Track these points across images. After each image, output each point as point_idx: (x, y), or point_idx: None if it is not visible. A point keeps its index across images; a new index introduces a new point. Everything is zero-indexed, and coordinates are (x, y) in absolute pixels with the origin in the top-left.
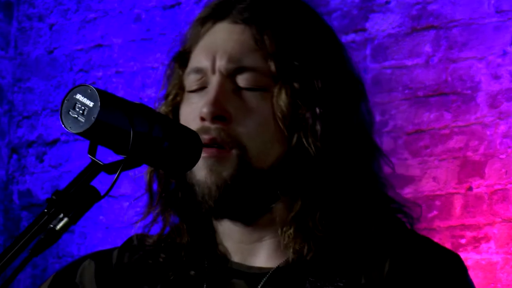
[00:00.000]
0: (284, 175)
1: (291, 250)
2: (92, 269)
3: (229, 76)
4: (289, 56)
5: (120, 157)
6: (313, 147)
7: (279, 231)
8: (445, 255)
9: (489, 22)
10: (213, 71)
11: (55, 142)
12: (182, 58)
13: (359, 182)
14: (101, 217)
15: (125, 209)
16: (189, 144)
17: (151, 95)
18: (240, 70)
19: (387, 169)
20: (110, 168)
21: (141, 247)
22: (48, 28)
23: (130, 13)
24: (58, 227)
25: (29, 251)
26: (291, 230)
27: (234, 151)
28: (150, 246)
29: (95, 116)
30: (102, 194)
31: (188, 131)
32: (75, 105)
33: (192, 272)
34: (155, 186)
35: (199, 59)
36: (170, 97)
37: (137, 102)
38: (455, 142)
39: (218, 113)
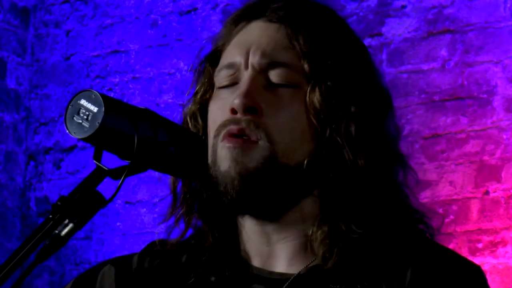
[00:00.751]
0: (313, 174)
1: (320, 253)
2: (113, 274)
3: (262, 71)
4: (323, 56)
5: (126, 163)
6: (348, 148)
7: (310, 231)
8: (466, 266)
9: (505, 26)
10: (246, 66)
11: (72, 148)
12: (213, 57)
13: (387, 188)
14: (118, 224)
15: (143, 215)
16: (195, 148)
17: (168, 101)
18: (273, 65)
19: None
20: (115, 174)
21: (164, 251)
22: (65, 35)
23: (147, 19)
24: (63, 233)
25: (34, 257)
26: (323, 230)
27: (261, 143)
28: (174, 247)
29: (100, 121)
30: (117, 200)
31: (194, 136)
32: (79, 110)
33: (213, 278)
34: (179, 187)
35: (232, 54)
36: (199, 95)
37: (142, 107)
38: (471, 146)
39: (250, 104)
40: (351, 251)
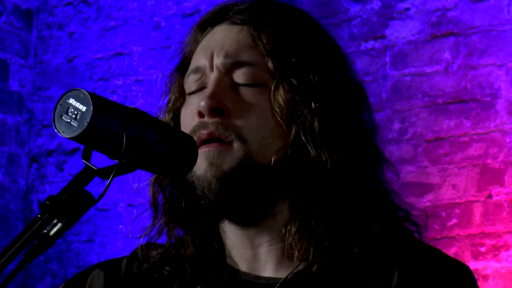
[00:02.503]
0: (286, 173)
1: (296, 255)
2: (101, 279)
3: (227, 72)
4: (286, 53)
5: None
6: (311, 144)
7: (283, 230)
8: (455, 267)
9: (509, 29)
10: (211, 69)
11: (75, 151)
12: (182, 65)
13: (361, 184)
14: (120, 226)
15: (145, 218)
16: (184, 148)
17: None
18: (237, 65)
19: (406, 178)
20: (104, 173)
21: (146, 259)
22: (68, 37)
23: (150, 21)
24: (52, 232)
25: (22, 256)
26: (294, 229)
27: (235, 144)
28: (155, 258)
29: (88, 120)
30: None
31: (184, 136)
32: (68, 109)
33: (198, 287)
34: (160, 197)
35: (197, 59)
36: (170, 104)
37: (131, 107)
38: (474, 150)
39: (216, 105)
40: (333, 254)
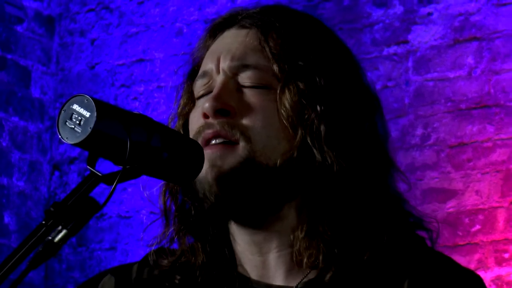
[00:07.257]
0: (292, 175)
1: (305, 262)
2: (112, 284)
3: (233, 75)
4: (293, 56)
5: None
6: (317, 147)
7: (291, 236)
8: (466, 276)
9: None
10: (218, 72)
11: None
12: (192, 71)
13: (369, 190)
14: (143, 234)
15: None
16: (190, 154)
17: None
18: (243, 67)
19: (429, 184)
20: (109, 179)
21: (157, 266)
22: (90, 43)
23: (172, 27)
24: (57, 239)
25: (27, 264)
26: (302, 235)
27: (241, 144)
28: (165, 267)
29: (92, 126)
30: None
31: (190, 142)
32: (72, 115)
33: None
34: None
35: (205, 63)
36: (180, 109)
37: (136, 112)
38: (498, 155)
39: (220, 106)
40: (344, 260)
